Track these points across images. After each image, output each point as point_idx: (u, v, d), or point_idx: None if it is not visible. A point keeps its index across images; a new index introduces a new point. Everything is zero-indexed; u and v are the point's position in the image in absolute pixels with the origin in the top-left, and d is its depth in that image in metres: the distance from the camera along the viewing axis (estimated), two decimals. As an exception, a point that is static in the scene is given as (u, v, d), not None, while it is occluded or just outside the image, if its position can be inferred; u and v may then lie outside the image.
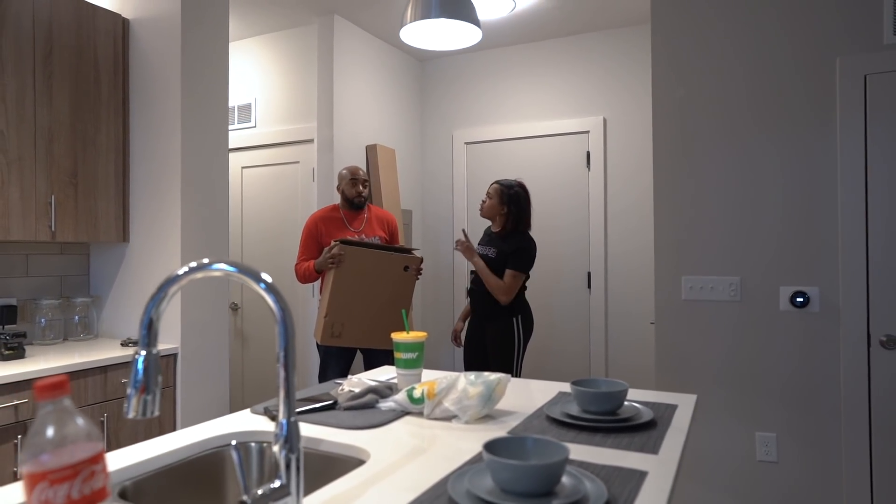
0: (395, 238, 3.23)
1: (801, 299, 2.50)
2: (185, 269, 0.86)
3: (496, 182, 3.03)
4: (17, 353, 2.21)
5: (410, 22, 1.21)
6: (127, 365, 2.36)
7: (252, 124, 4.00)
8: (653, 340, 3.80)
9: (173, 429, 2.50)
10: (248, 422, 1.39)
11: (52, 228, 2.40)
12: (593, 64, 4.00)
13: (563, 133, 4.05)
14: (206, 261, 0.88)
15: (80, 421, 0.59)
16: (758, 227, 2.59)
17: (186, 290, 2.61)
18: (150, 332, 0.84)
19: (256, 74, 4.03)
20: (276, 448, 0.84)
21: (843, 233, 2.43)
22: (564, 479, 0.95)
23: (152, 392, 0.84)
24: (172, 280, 0.85)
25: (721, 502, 2.64)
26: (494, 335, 2.98)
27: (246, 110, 4.03)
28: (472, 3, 1.23)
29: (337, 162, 3.66)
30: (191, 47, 2.65)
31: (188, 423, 2.58)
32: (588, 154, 3.98)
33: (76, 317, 2.66)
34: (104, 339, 2.71)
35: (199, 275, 0.84)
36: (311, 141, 3.79)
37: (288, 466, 0.83)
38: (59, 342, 2.58)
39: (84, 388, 2.20)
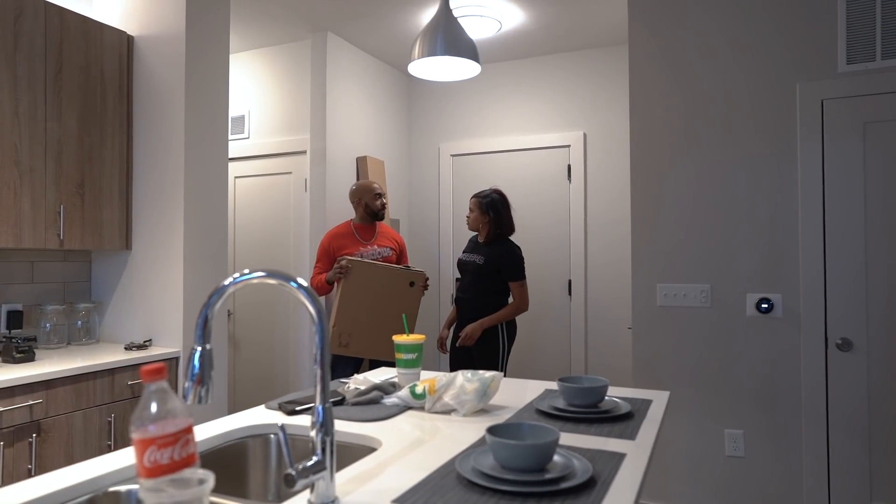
0: (403, 254, 3.42)
1: (766, 305, 2.70)
2: (231, 279, 1.01)
3: (473, 196, 3.24)
4: (28, 357, 2.30)
5: (418, 58, 1.37)
6: (132, 367, 2.46)
7: (245, 135, 4.12)
8: (630, 344, 4.00)
9: (175, 429, 2.60)
10: (264, 416, 1.52)
11: (61, 237, 2.50)
12: (574, 81, 4.20)
13: (546, 147, 4.24)
14: (246, 271, 1.02)
15: (175, 399, 0.73)
16: (727, 238, 2.79)
17: (189, 296, 2.73)
18: (205, 330, 0.98)
19: (251, 87, 4.15)
20: (313, 433, 0.98)
21: (803, 244, 2.64)
22: (556, 458, 1.11)
23: (206, 384, 0.98)
24: (222, 289, 0.99)
25: (692, 495, 2.83)
26: (481, 341, 3.14)
27: (240, 122, 4.14)
28: (472, 43, 1.39)
29: (329, 173, 3.79)
30: (194, 63, 2.77)
31: (189, 424, 2.68)
32: (569, 167, 4.17)
33: (79, 322, 2.75)
34: (105, 344, 2.80)
35: (255, 280, 0.98)
36: (303, 152, 3.92)
37: (323, 446, 0.97)
38: (63, 346, 2.67)
39: (92, 390, 2.31)
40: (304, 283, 1.00)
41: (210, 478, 0.73)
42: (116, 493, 1.08)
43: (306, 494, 1.00)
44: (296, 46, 3.99)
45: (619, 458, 1.19)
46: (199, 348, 0.97)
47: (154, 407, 0.71)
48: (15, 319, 2.56)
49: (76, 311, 2.75)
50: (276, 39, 3.97)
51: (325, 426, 0.98)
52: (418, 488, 1.03)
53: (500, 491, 1.00)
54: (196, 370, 0.97)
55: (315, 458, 0.96)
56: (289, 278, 1.00)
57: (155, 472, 0.69)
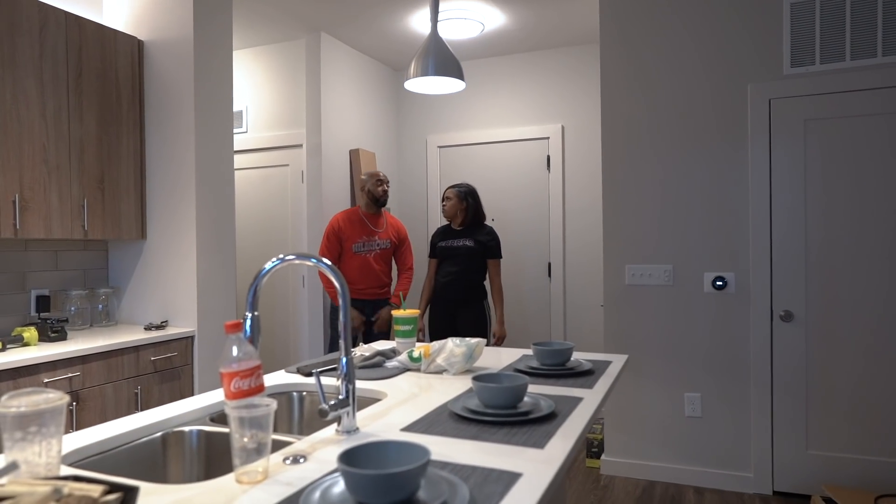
0: (403, 246, 3.75)
1: (721, 283, 3.03)
2: (272, 262, 1.29)
3: (450, 187, 3.61)
4: (61, 336, 2.57)
5: (413, 77, 1.65)
6: (153, 345, 2.74)
7: (244, 130, 4.36)
8: (602, 319, 4.33)
9: (191, 401, 2.88)
10: (284, 378, 1.81)
11: (85, 227, 2.75)
12: (552, 77, 4.48)
13: (526, 139, 4.53)
14: (281, 255, 1.30)
15: (249, 345, 1.02)
16: (687, 223, 3.11)
17: (202, 280, 2.99)
18: (254, 301, 1.26)
19: (248, 83, 4.38)
20: (339, 381, 1.27)
21: (752, 228, 2.97)
22: (526, 399, 1.42)
23: (255, 343, 1.26)
24: (266, 270, 1.28)
25: (657, 452, 3.17)
26: (467, 319, 3.44)
27: (238, 117, 4.38)
28: (458, 63, 1.67)
29: (325, 165, 4.05)
30: (201, 65, 3.01)
31: (204, 396, 2.97)
32: (548, 158, 4.47)
33: (100, 305, 3.01)
34: (124, 325, 3.07)
35: (297, 262, 1.27)
36: (299, 146, 4.18)
37: (347, 389, 1.26)
38: (87, 328, 2.93)
39: (121, 365, 2.58)
40: (329, 262, 1.28)
41: (274, 402, 1.01)
42: (181, 432, 1.37)
43: (333, 426, 1.29)
44: (291, 45, 4.23)
45: (577, 400, 1.49)
46: (250, 315, 1.26)
47: (235, 350, 1.00)
48: (43, 303, 2.82)
49: (97, 296, 3.01)
50: (273, 39, 4.19)
51: (349, 374, 1.27)
52: (420, 421, 1.33)
53: (482, 421, 1.30)
54: (248, 333, 1.26)
55: (341, 397, 1.26)
56: (317, 258, 1.28)
57: (238, 395, 0.98)
